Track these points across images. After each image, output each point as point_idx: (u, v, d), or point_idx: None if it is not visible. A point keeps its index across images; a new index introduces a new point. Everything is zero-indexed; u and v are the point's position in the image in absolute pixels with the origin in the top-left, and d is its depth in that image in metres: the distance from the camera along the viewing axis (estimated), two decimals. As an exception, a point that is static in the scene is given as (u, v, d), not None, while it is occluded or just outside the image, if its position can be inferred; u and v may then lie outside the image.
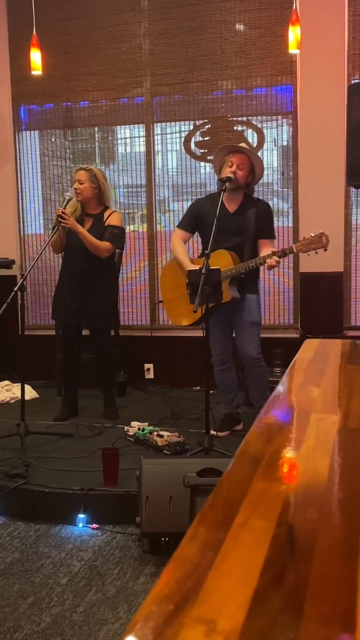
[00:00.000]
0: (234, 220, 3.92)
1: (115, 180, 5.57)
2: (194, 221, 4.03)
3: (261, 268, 3.96)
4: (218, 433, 3.97)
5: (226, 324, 4.01)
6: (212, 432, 3.82)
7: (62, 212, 4.11)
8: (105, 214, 4.35)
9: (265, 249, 3.88)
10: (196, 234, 4.12)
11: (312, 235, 3.68)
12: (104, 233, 4.28)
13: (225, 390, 4.13)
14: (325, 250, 3.69)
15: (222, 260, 3.82)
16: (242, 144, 4.10)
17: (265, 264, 3.75)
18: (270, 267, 3.77)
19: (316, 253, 3.72)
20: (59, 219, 4.11)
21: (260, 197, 4.38)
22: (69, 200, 4.25)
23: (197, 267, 3.61)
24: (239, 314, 3.94)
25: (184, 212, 4.22)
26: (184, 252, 4.03)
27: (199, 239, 4.17)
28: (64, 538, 3.12)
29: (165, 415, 4.52)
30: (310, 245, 3.68)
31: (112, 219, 4.34)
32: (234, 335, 4.06)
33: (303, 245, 3.71)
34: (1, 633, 2.36)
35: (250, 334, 3.96)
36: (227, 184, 3.79)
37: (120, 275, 5.03)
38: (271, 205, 4.18)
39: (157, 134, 5.41)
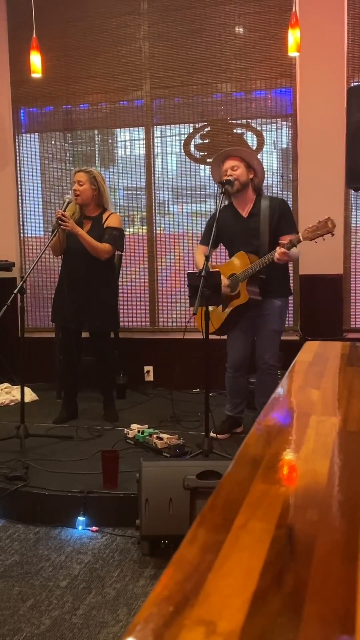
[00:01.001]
0: (249, 223, 3.90)
1: (115, 182, 5.57)
2: (215, 236, 3.97)
3: (291, 270, 3.87)
4: (218, 435, 3.97)
5: (249, 332, 3.98)
6: (212, 434, 3.82)
7: (62, 215, 4.11)
8: (104, 216, 4.36)
9: None
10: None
11: (318, 221, 3.56)
12: (103, 235, 4.28)
13: (234, 395, 4.11)
14: (332, 234, 3.56)
15: (240, 262, 3.83)
16: (228, 149, 4.07)
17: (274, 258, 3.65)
18: (279, 260, 3.64)
19: (323, 239, 3.58)
20: (59, 221, 4.11)
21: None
22: (68, 203, 4.26)
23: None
24: (262, 319, 3.90)
25: (204, 227, 4.19)
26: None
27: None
28: (64, 541, 3.12)
29: (165, 417, 4.52)
30: (316, 231, 3.54)
31: (111, 221, 4.34)
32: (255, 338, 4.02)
33: (309, 232, 3.57)
34: (1, 636, 2.36)
35: (271, 341, 3.92)
36: (227, 187, 3.79)
37: (120, 278, 5.04)
38: None
39: (156, 137, 5.42)
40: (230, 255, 4.00)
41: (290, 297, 4.15)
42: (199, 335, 3.66)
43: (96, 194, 4.33)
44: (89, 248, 4.22)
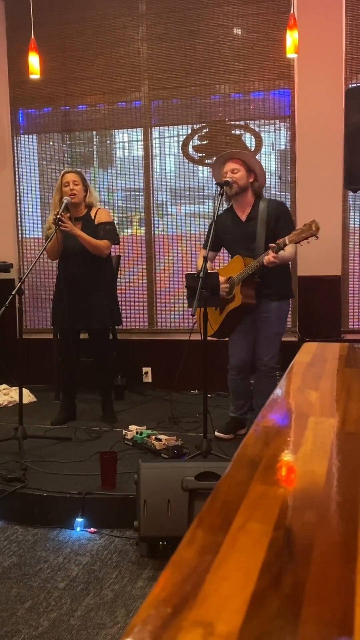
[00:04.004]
0: (246, 227, 3.90)
1: (114, 184, 5.57)
2: (214, 238, 3.91)
3: (293, 274, 3.87)
4: (222, 435, 3.98)
5: (250, 334, 3.96)
6: (216, 433, 3.82)
7: (62, 216, 4.11)
8: (92, 214, 4.38)
9: (286, 247, 3.76)
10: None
11: (304, 224, 3.55)
12: (95, 231, 4.30)
13: (237, 397, 4.11)
14: (317, 237, 3.56)
15: (235, 266, 3.83)
16: (231, 151, 4.07)
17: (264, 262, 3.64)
18: (269, 263, 3.62)
19: (308, 242, 3.56)
20: (59, 222, 4.10)
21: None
22: (66, 205, 4.26)
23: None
24: (262, 321, 3.90)
25: (206, 232, 4.16)
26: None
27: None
28: (62, 542, 3.12)
29: (164, 418, 4.51)
30: (301, 234, 3.54)
31: (101, 216, 4.37)
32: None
33: (295, 235, 3.57)
34: (-1, 637, 2.36)
35: (270, 343, 3.91)
36: (225, 188, 3.79)
37: (118, 279, 5.03)
38: None
39: (155, 138, 5.42)
40: (233, 257, 4.00)
41: (291, 300, 4.13)
42: (198, 337, 3.67)
43: (86, 193, 4.37)
44: (89, 247, 4.22)
